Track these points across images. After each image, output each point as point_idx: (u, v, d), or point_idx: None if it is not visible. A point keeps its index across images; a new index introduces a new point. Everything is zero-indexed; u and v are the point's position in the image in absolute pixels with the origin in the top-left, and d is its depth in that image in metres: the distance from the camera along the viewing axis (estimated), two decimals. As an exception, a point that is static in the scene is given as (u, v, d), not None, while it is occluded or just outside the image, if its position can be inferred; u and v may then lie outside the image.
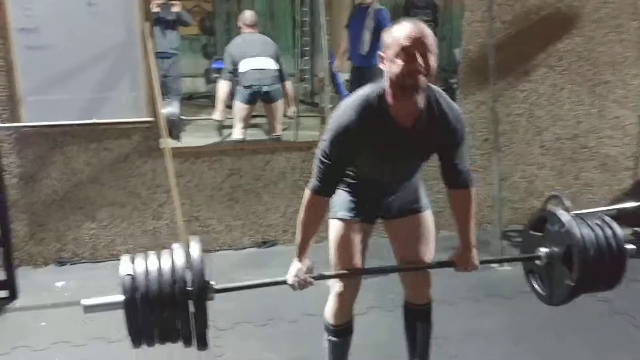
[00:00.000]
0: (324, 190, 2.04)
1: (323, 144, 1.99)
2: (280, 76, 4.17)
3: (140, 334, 1.88)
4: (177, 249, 1.94)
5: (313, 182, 2.04)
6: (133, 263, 1.91)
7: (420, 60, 1.82)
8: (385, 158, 2.05)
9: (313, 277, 2.12)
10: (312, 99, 4.49)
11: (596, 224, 2.18)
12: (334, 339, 2.34)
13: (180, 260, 1.90)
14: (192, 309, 1.87)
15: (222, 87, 4.17)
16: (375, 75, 5.32)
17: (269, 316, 3.13)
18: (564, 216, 2.16)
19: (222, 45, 4.47)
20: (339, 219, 2.21)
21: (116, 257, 3.77)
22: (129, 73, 3.51)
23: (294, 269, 2.10)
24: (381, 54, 1.91)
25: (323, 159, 1.99)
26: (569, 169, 4.40)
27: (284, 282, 2.11)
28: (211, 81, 4.59)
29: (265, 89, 4.10)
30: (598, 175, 4.44)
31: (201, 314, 1.90)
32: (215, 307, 3.26)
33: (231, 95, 4.18)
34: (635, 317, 3.10)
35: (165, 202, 3.81)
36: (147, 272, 1.87)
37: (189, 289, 1.86)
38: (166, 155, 3.55)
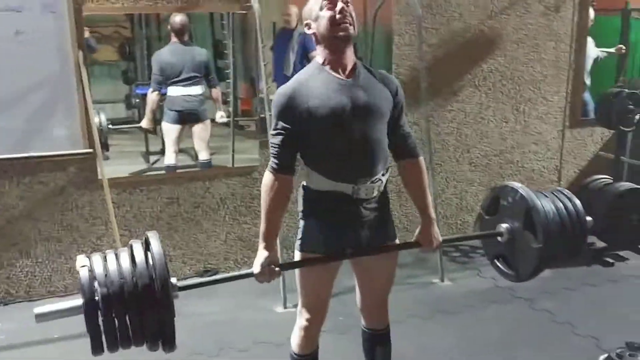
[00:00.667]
0: (282, 167, 1.99)
1: (273, 123, 2.02)
2: (211, 82, 4.18)
3: (102, 339, 1.76)
4: (136, 245, 1.84)
5: (270, 162, 2.02)
6: (90, 264, 1.79)
7: (344, 7, 1.94)
8: (337, 116, 1.96)
9: (280, 266, 2.06)
10: (236, 122, 4.51)
11: (553, 194, 2.26)
12: None
13: (140, 257, 1.80)
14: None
15: (151, 97, 4.10)
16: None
17: (220, 346, 3.08)
18: (517, 185, 2.24)
19: (144, 70, 4.43)
20: (305, 253, 2.13)
21: (54, 295, 3.65)
22: (64, 103, 3.40)
23: (261, 259, 2.00)
24: (307, 21, 2.01)
25: (274, 134, 2.00)
26: (497, 184, 4.60)
27: (251, 275, 2.03)
28: (132, 107, 4.52)
29: (193, 111, 4.11)
30: (525, 188, 4.67)
31: (168, 312, 1.79)
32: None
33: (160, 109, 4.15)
34: (576, 325, 3.25)
35: (104, 234, 3.69)
36: (106, 272, 1.76)
37: (154, 287, 1.74)
38: (105, 186, 3.47)
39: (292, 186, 2.05)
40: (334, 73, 2.00)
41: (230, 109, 4.40)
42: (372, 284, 2.29)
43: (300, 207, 2.17)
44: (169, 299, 1.78)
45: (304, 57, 4.73)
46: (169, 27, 4.03)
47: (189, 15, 3.99)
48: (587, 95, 4.87)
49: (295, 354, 2.31)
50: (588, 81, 4.91)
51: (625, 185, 4.12)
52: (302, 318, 2.26)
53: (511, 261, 2.34)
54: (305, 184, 2.14)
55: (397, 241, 2.25)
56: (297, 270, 2.19)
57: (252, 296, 3.64)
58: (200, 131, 4.15)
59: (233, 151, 4.27)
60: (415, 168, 2.17)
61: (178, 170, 4.05)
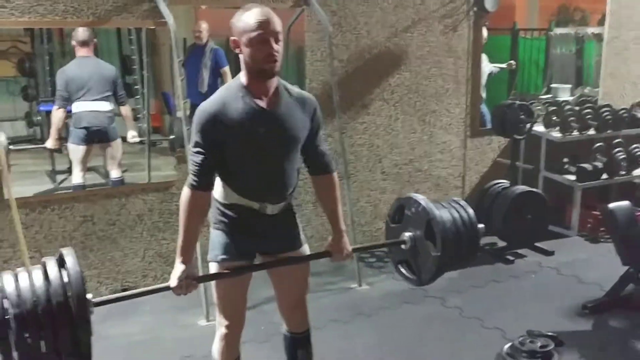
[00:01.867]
0: (201, 184, 2.05)
1: (192, 140, 2.06)
2: (120, 99, 4.11)
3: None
4: (50, 261, 1.81)
5: (189, 178, 2.06)
6: (1, 282, 1.74)
7: (274, 45, 1.99)
8: (256, 145, 2.06)
9: (196, 279, 2.10)
10: (149, 137, 4.48)
11: (450, 204, 2.47)
12: None
13: (54, 273, 1.77)
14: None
15: (57, 114, 3.95)
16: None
17: (145, 364, 3.05)
18: (419, 197, 2.41)
19: (46, 87, 4.30)
20: (215, 262, 2.21)
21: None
22: (-35, 121, 3.26)
23: (178, 272, 2.05)
24: (234, 38, 2.04)
25: (194, 152, 2.04)
26: (408, 191, 4.82)
27: (168, 288, 2.06)
28: (34, 124, 4.38)
29: (101, 129, 4.00)
30: (432, 195, 4.93)
31: (84, 329, 1.78)
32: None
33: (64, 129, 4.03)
34: (483, 318, 3.48)
35: (12, 257, 3.53)
36: (18, 290, 1.72)
37: (69, 303, 1.73)
38: (12, 206, 3.34)
39: (209, 201, 2.13)
40: (256, 100, 2.06)
41: (145, 125, 4.36)
42: (288, 287, 2.38)
43: (210, 217, 2.24)
44: (86, 315, 1.77)
45: (217, 73, 4.79)
46: (72, 41, 3.94)
47: (94, 30, 3.92)
48: (483, 107, 5.24)
49: None
50: (484, 94, 5.29)
51: (521, 188, 4.46)
52: (221, 327, 2.32)
53: (414, 266, 2.50)
54: (215, 196, 2.20)
55: (307, 247, 2.37)
56: (212, 283, 2.26)
57: (173, 312, 3.61)
58: (111, 151, 4.08)
59: (149, 167, 4.24)
60: (328, 183, 2.29)
61: (92, 189, 3.95)
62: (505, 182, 4.57)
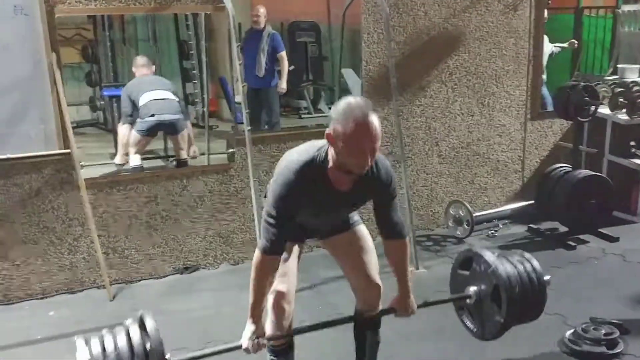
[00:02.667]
0: (274, 249, 2.10)
1: (268, 206, 2.08)
2: (183, 115, 4.15)
3: None
4: (132, 325, 1.98)
5: (262, 242, 2.10)
6: (88, 346, 1.92)
7: (369, 159, 1.96)
8: (322, 211, 2.21)
9: (266, 338, 2.18)
10: (207, 122, 4.56)
11: (517, 260, 2.46)
12: (274, 358, 2.40)
13: (136, 336, 1.93)
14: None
15: (122, 131, 4.05)
16: (272, 96, 5.43)
17: (205, 340, 3.12)
18: (489, 257, 2.41)
19: (108, 72, 4.45)
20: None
21: (32, 297, 3.64)
22: (38, 105, 3.41)
23: (248, 332, 2.14)
24: (330, 133, 1.96)
25: (269, 219, 2.07)
26: (465, 175, 4.78)
27: (238, 347, 2.14)
28: (97, 109, 4.53)
29: (167, 117, 4.03)
30: (491, 179, 4.86)
31: None
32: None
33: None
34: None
35: (81, 235, 3.70)
36: (104, 354, 1.89)
37: None
38: (81, 186, 3.49)
39: (279, 263, 2.18)
40: (334, 186, 2.07)
41: (205, 109, 4.46)
42: (348, 257, 2.41)
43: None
44: None
45: (274, 58, 4.84)
46: (133, 68, 4.11)
47: (153, 17, 3.99)
48: (544, 89, 5.09)
49: (270, 345, 2.33)
50: (544, 76, 5.14)
51: (584, 172, 4.33)
52: (270, 297, 2.30)
53: (477, 320, 2.53)
54: None
55: (362, 226, 2.46)
56: None
57: (233, 291, 3.70)
58: (179, 140, 4.13)
59: (208, 150, 4.33)
60: (399, 247, 2.31)
61: (154, 170, 4.07)
62: (567, 166, 4.44)
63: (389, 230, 2.27)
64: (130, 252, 3.87)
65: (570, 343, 2.91)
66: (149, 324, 1.97)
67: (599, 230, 4.36)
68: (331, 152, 2.01)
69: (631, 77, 5.31)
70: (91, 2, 3.49)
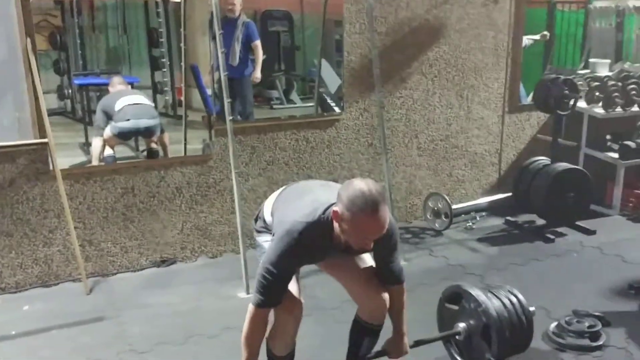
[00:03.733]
0: (268, 304, 2.08)
1: (268, 263, 2.03)
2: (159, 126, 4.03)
3: None
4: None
5: (256, 297, 2.06)
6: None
7: (371, 243, 2.00)
8: (324, 260, 2.25)
9: None
10: (174, 111, 4.47)
11: (504, 294, 2.57)
12: None
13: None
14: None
15: (96, 143, 3.89)
16: (246, 85, 5.32)
17: (187, 334, 3.07)
18: (480, 296, 2.49)
19: (77, 60, 4.29)
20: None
21: (5, 291, 3.51)
22: (12, 92, 3.29)
23: None
24: (337, 212, 1.95)
25: (267, 276, 2.03)
26: (443, 168, 4.79)
27: None
28: (65, 97, 4.39)
29: (143, 123, 3.91)
30: (468, 172, 4.89)
31: None
32: (129, 330, 3.16)
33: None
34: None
35: (57, 227, 3.58)
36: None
37: None
38: (58, 177, 3.37)
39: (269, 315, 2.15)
40: (337, 245, 2.07)
41: (172, 99, 4.36)
42: (344, 270, 2.34)
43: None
44: None
45: (248, 47, 4.75)
46: (110, 86, 4.02)
47: (122, 3, 3.89)
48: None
49: (274, 355, 2.29)
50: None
51: (563, 165, 4.38)
52: (278, 318, 2.23)
53: (465, 354, 2.60)
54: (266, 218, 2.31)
55: None
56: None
57: (213, 284, 3.65)
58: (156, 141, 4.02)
59: (185, 140, 4.23)
60: (397, 291, 2.31)
61: (131, 161, 3.96)
62: (545, 159, 4.49)
63: (388, 277, 2.27)
64: (106, 244, 3.76)
65: (554, 336, 2.94)
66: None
67: (576, 223, 4.42)
68: (338, 229, 2.01)
69: (602, 71, 5.40)
70: (66, -15, 3.35)
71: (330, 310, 3.26)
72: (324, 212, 2.04)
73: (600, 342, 2.89)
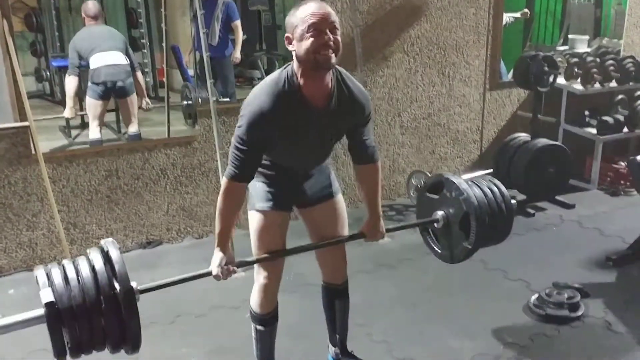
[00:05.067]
0: (241, 177, 2.08)
1: (238, 131, 2.03)
2: (131, 67, 4.04)
3: (65, 346, 1.81)
4: (94, 252, 1.90)
5: (229, 169, 2.07)
6: (49, 274, 1.84)
7: (329, 34, 1.94)
8: (301, 140, 2.11)
9: (236, 265, 2.15)
10: (155, 93, 4.44)
11: (485, 185, 2.46)
12: (261, 327, 2.41)
13: (99, 264, 1.85)
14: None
15: (70, 83, 3.90)
16: (227, 65, 5.30)
17: (175, 313, 3.10)
18: (462, 184, 2.39)
19: (54, 41, 4.24)
20: (258, 210, 2.27)
21: (-9, 276, 3.51)
22: (-11, 75, 3.23)
23: (217, 259, 2.11)
24: (288, 35, 2.00)
25: (239, 145, 2.03)
26: (426, 146, 4.83)
27: (209, 274, 2.13)
28: (43, 79, 4.34)
29: (119, 84, 3.94)
30: (451, 149, 4.94)
31: (133, 316, 1.88)
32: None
33: (80, 91, 3.97)
34: (507, 270, 3.52)
35: (40, 210, 3.57)
36: (66, 281, 1.81)
37: (116, 291, 1.83)
38: (40, 160, 3.35)
39: (245, 191, 2.16)
40: (310, 100, 2.03)
41: (153, 80, 4.33)
42: (320, 230, 2.39)
43: None
44: (134, 304, 1.87)
45: (228, 27, 4.71)
46: (82, 14, 3.93)
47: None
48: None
49: (257, 313, 2.39)
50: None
51: (543, 141, 4.44)
52: (260, 277, 2.34)
53: (443, 243, 2.53)
54: None
55: (341, 196, 2.43)
56: (251, 228, 2.30)
57: (198, 264, 3.62)
58: (128, 105, 4.01)
59: (168, 122, 4.21)
60: (372, 171, 2.32)
61: (113, 143, 3.94)
62: (525, 135, 4.55)
63: (362, 154, 2.28)
64: (91, 227, 3.76)
65: (535, 307, 3.02)
66: (114, 253, 1.88)
67: (556, 197, 4.51)
68: (295, 63, 2.01)
69: (581, 48, 5.47)
70: (43, -35, 3.30)
71: (315, 287, 3.25)
72: (283, 69, 2.06)
73: (579, 313, 2.98)
